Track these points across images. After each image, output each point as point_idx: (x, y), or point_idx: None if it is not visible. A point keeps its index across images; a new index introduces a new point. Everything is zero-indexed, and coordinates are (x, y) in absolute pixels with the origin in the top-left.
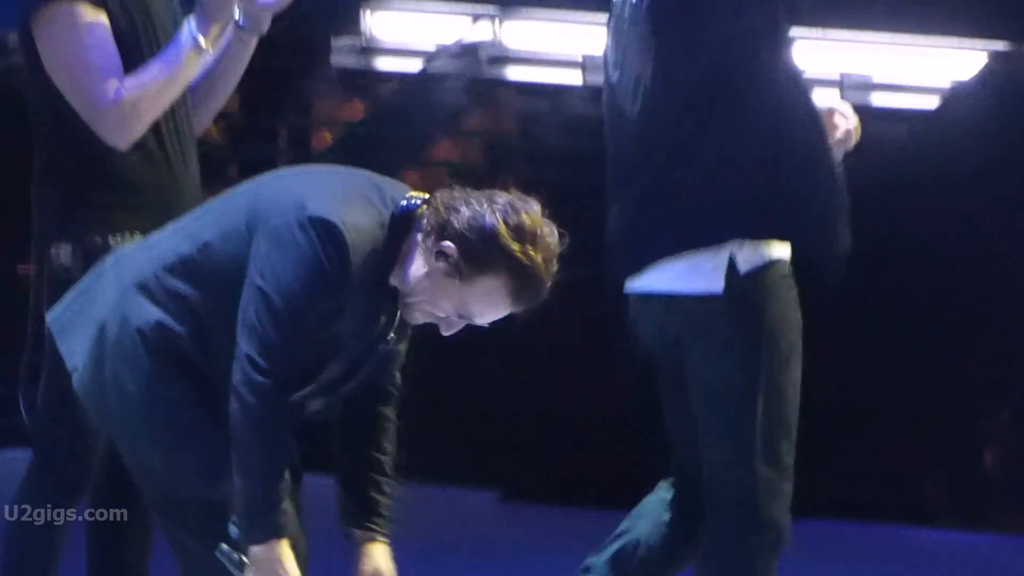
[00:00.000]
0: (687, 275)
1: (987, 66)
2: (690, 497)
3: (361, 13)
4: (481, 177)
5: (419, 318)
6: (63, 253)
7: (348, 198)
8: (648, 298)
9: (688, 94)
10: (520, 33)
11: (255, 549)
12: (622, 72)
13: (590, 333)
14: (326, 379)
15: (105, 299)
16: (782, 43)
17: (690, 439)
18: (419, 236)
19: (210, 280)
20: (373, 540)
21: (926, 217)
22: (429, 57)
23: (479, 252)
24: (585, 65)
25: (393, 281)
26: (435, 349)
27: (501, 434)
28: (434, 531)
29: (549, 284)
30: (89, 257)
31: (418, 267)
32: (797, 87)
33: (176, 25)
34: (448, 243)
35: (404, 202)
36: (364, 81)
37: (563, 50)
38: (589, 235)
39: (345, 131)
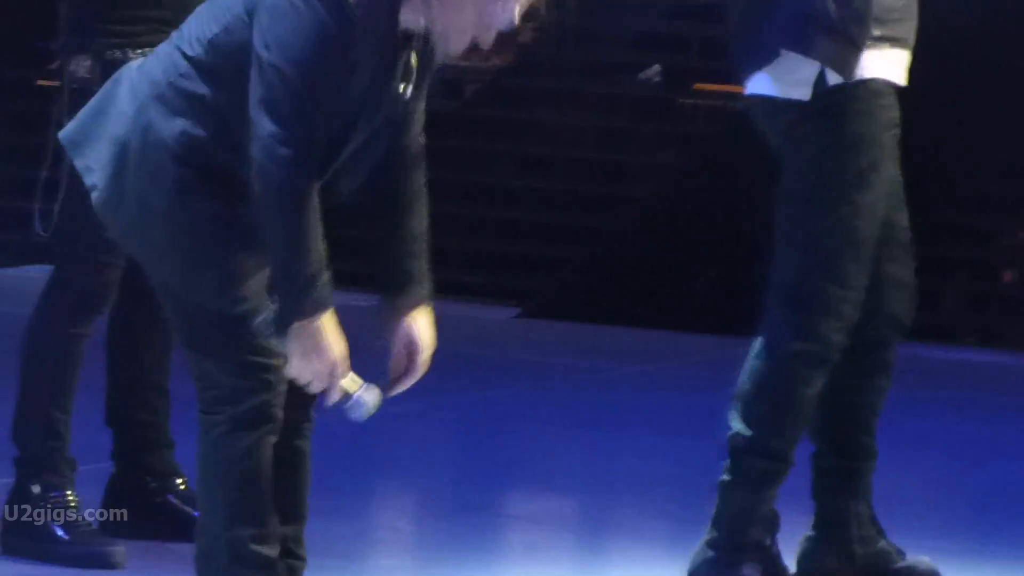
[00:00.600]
0: (783, 81)
1: None
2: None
3: None
4: None
5: (455, 43)
6: (83, 67)
7: None
8: (753, 101)
9: None
10: None
11: (296, 325)
12: None
13: (608, 149)
14: (351, 150)
15: (122, 115)
16: None
17: None
18: None
19: (223, 75)
20: (412, 306)
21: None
22: None
23: None
24: None
25: (407, 23)
26: (454, 164)
27: (519, 250)
28: (451, 346)
29: None
30: (109, 71)
31: (421, 10)
32: None
33: None
34: None
35: None
36: None
37: None
38: (606, 50)
39: None
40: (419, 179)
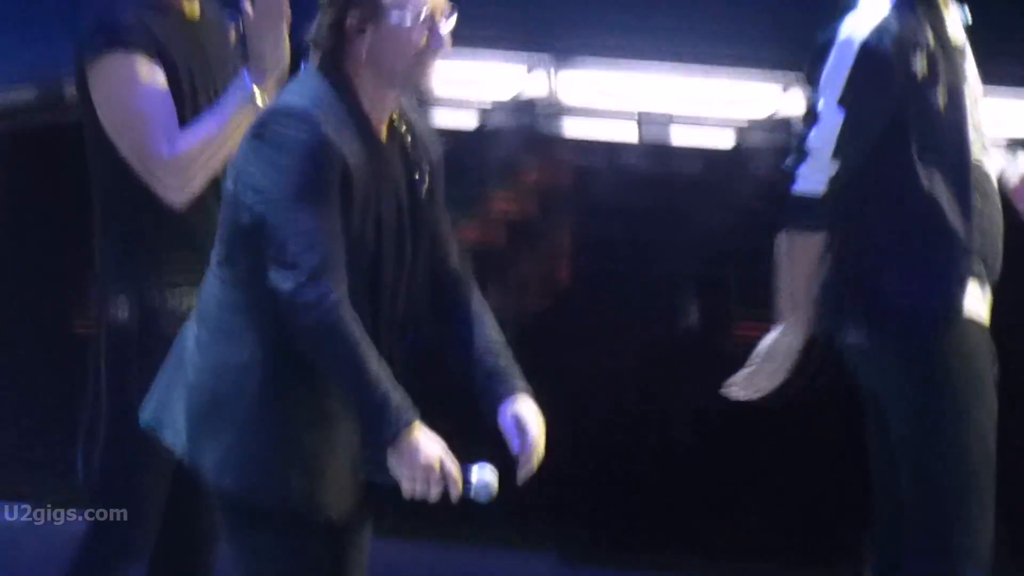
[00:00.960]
0: (875, 328)
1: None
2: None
3: None
4: (538, 231)
5: (418, 73)
6: (122, 307)
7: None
8: (844, 347)
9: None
10: (576, 85)
11: (391, 448)
12: None
13: (645, 397)
14: (389, 261)
15: (192, 364)
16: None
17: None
18: (343, 55)
19: (254, 269)
20: (512, 397)
21: None
22: (484, 110)
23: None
24: (640, 120)
25: (370, 98)
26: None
27: (558, 494)
28: None
29: None
30: (148, 311)
31: (362, 55)
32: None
33: (233, 74)
34: (348, 16)
35: (304, 60)
36: None
37: (619, 104)
38: (637, 292)
39: None
40: (478, 294)
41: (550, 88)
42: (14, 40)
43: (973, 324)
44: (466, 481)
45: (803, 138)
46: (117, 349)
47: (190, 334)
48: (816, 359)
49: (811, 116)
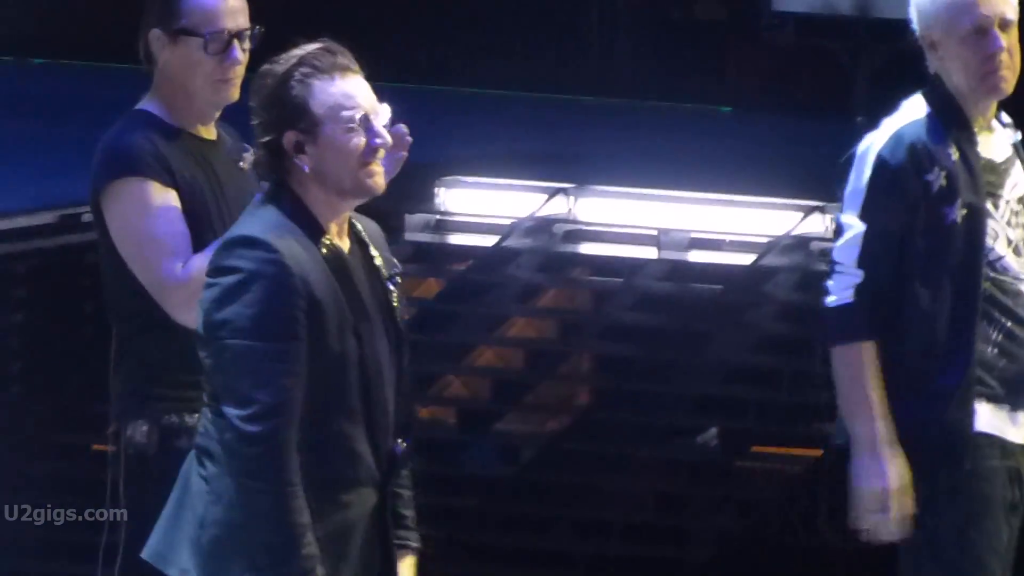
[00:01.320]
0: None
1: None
2: None
3: (435, 188)
4: (556, 354)
5: (365, 176)
6: (140, 432)
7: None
8: None
9: None
10: (595, 208)
11: None
12: None
13: (665, 513)
14: (376, 367)
15: (199, 494)
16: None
17: None
18: (285, 175)
19: None
20: (403, 554)
21: None
22: (503, 232)
23: (284, 101)
24: (660, 240)
25: (323, 212)
26: (511, 529)
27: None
28: None
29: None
30: (166, 436)
31: (306, 172)
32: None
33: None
34: (284, 138)
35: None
36: (438, 257)
37: (638, 224)
38: (658, 412)
39: (419, 307)
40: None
41: (571, 211)
42: (36, 166)
43: (985, 446)
44: None
45: (831, 253)
46: (134, 469)
47: (194, 468)
48: None
49: (837, 230)
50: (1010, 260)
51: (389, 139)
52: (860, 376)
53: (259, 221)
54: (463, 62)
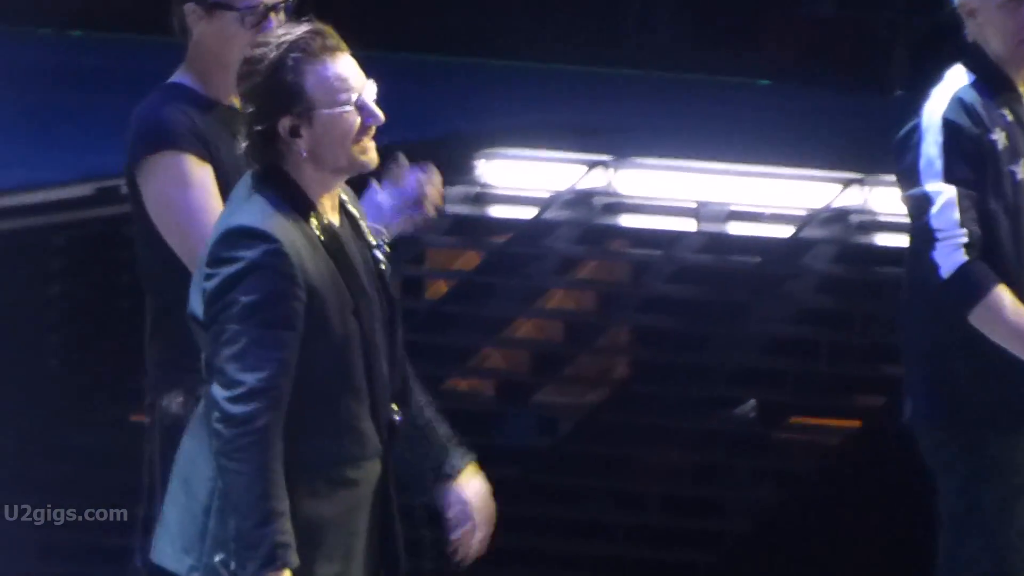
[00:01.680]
0: (924, 409)
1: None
2: None
3: (475, 160)
4: (595, 326)
5: (360, 153)
6: (176, 403)
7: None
8: (913, 423)
9: None
10: (633, 180)
11: None
12: None
13: (700, 484)
14: (375, 340)
15: (204, 481)
16: None
17: None
18: (278, 158)
19: None
20: (463, 469)
21: None
22: (542, 205)
23: (279, 88)
24: (699, 212)
25: (316, 191)
26: (549, 499)
27: (614, 558)
28: None
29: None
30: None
31: (301, 155)
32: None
33: None
34: (280, 123)
35: (250, 173)
36: (477, 229)
37: (677, 197)
38: (696, 384)
39: (459, 280)
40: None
41: (609, 184)
42: (75, 138)
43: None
44: None
45: (925, 226)
46: (169, 439)
47: (197, 451)
48: None
49: (924, 203)
50: None
51: (382, 116)
52: (1011, 317)
53: (257, 208)
54: (504, 35)
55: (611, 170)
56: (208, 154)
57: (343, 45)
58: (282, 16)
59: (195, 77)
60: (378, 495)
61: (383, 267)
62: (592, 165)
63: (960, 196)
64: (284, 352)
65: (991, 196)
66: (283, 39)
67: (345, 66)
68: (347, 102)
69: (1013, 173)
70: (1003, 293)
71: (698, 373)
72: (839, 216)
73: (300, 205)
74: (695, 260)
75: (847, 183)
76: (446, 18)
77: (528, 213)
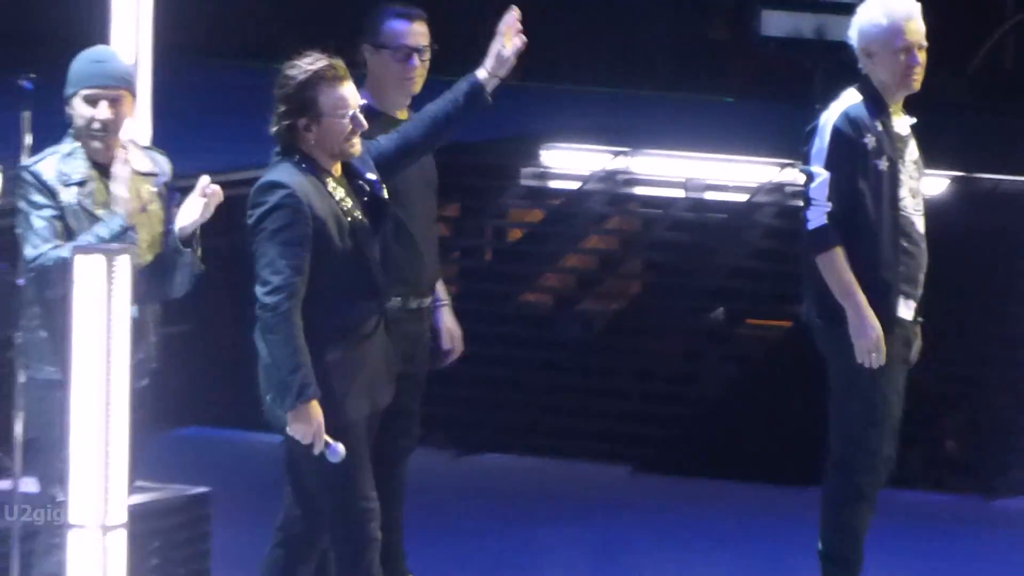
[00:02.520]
0: (814, 313)
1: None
2: None
3: (539, 150)
4: (618, 259)
5: (348, 147)
6: None
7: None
8: (811, 325)
9: None
10: (644, 164)
11: (296, 410)
12: None
13: (691, 357)
14: (365, 248)
15: (262, 356)
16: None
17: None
18: (299, 142)
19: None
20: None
21: None
22: (583, 179)
23: (302, 99)
24: (686, 184)
25: (325, 161)
26: (574, 346)
27: (630, 412)
28: (569, 503)
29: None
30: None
31: (311, 142)
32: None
33: None
34: (299, 121)
35: (276, 149)
36: (541, 195)
37: (671, 175)
38: (684, 298)
39: (529, 229)
40: None
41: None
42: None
43: (896, 323)
44: (328, 445)
45: (806, 193)
46: None
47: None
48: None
49: (809, 177)
50: (908, 200)
51: (365, 125)
52: (842, 271)
53: (281, 169)
54: (560, 65)
55: (629, 157)
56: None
57: (348, 75)
58: (425, 56)
59: (369, 94)
60: (381, 347)
61: (379, 196)
62: (617, 154)
63: (832, 179)
64: (298, 261)
65: (860, 181)
66: (309, 67)
67: (347, 90)
68: (344, 116)
69: (877, 165)
70: (838, 253)
71: (685, 291)
72: (778, 187)
73: (314, 169)
74: (683, 216)
75: (783, 166)
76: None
77: (574, 185)
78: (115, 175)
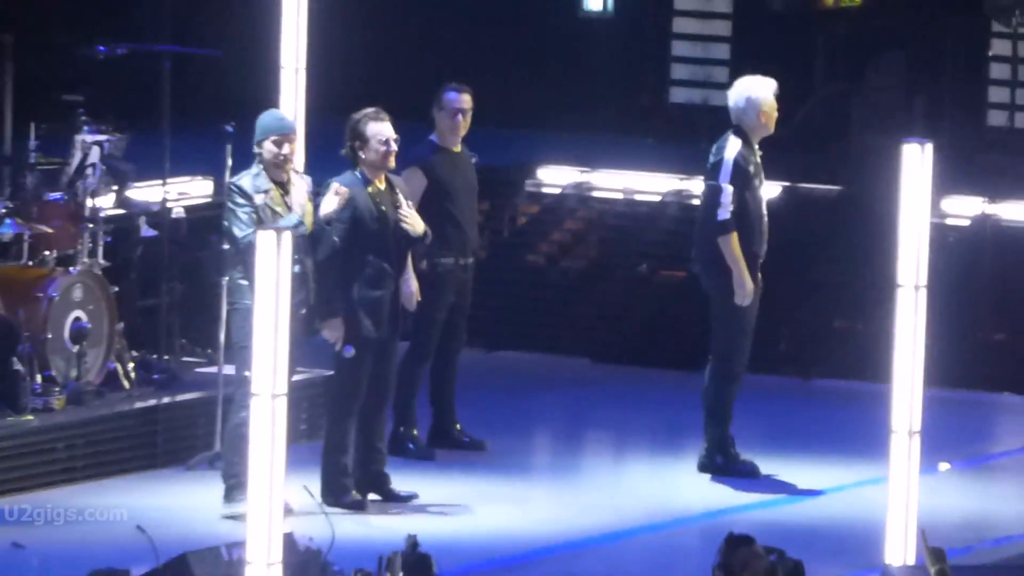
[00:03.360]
0: (708, 270)
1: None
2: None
3: (536, 168)
4: (583, 235)
5: (389, 164)
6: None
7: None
8: (701, 266)
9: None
10: (603, 179)
11: (323, 323)
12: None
13: (632, 279)
14: (390, 234)
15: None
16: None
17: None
18: (357, 159)
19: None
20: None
21: None
22: (563, 187)
23: (357, 132)
24: (623, 190)
25: (372, 173)
26: (558, 286)
27: (592, 324)
28: (552, 382)
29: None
30: (434, 275)
31: (363, 160)
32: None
33: (469, 181)
34: (355, 145)
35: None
36: (535, 196)
37: (616, 185)
38: (626, 259)
39: (530, 217)
40: None
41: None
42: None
43: (756, 278)
44: (346, 345)
45: (718, 197)
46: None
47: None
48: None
49: (717, 191)
50: (763, 204)
51: (395, 148)
52: (735, 247)
53: (344, 176)
54: (545, 118)
55: (590, 174)
56: (430, 170)
57: (387, 116)
58: (468, 116)
59: (437, 135)
60: (391, 291)
61: (401, 203)
62: (582, 172)
63: (732, 191)
64: (339, 233)
65: (746, 192)
66: (364, 113)
67: (385, 127)
68: (381, 143)
69: (754, 182)
70: (734, 237)
71: (624, 254)
72: (679, 192)
73: (364, 177)
74: (623, 209)
75: (682, 179)
76: (522, 99)
77: (557, 190)
78: (293, 189)
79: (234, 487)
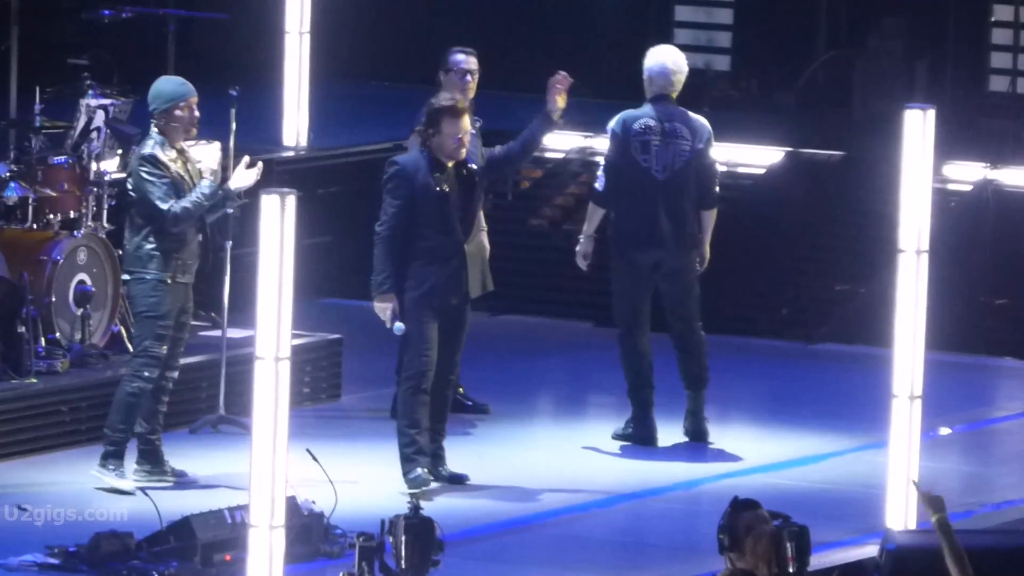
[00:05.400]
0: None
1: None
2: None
3: None
4: (583, 199)
5: (456, 152)
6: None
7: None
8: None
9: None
10: (600, 143)
11: (376, 298)
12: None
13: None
14: (452, 210)
15: None
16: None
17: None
18: (429, 144)
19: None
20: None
21: None
22: (566, 152)
23: (432, 118)
24: (570, 152)
25: (442, 158)
26: (559, 248)
27: (595, 289)
28: (555, 345)
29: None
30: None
31: (434, 144)
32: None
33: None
34: (428, 131)
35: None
36: (542, 161)
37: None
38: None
39: (533, 181)
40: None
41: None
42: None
43: (637, 251)
44: (397, 322)
45: (600, 168)
46: None
47: None
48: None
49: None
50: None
51: (467, 141)
52: (595, 215)
53: (410, 155)
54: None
55: (591, 139)
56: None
57: (463, 109)
58: (472, 76)
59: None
60: (453, 264)
61: (475, 180)
62: (584, 137)
63: (606, 163)
64: (395, 209)
65: (622, 165)
66: (440, 102)
67: (463, 123)
68: (454, 140)
69: (631, 150)
70: (597, 210)
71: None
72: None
73: (430, 158)
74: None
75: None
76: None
77: (560, 155)
78: (192, 153)
79: (111, 454)
